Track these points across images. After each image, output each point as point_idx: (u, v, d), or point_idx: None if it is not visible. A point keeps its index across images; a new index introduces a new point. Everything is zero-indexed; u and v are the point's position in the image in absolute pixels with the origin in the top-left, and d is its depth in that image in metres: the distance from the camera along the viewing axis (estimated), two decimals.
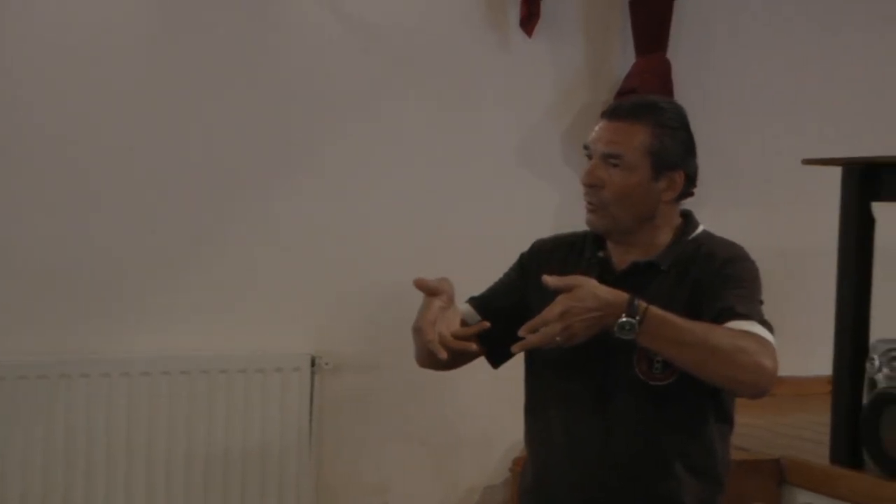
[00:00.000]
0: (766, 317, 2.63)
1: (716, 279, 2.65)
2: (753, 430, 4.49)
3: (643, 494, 2.71)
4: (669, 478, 2.70)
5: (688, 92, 5.06)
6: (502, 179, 4.89)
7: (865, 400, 3.70)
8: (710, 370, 2.52)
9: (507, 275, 3.04)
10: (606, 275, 2.73)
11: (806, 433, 4.41)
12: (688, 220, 2.83)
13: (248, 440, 4.43)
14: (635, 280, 2.70)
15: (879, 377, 3.65)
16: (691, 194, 2.82)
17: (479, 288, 4.81)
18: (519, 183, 4.92)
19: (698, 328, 2.51)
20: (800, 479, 3.91)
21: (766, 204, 5.29)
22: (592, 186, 2.70)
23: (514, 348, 2.60)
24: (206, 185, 4.49)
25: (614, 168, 2.68)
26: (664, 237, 2.77)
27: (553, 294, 2.55)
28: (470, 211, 4.84)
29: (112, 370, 4.24)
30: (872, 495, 3.63)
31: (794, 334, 5.24)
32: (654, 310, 2.50)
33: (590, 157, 2.74)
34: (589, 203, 2.73)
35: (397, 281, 4.73)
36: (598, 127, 2.75)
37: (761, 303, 2.67)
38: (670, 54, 4.98)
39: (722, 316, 2.56)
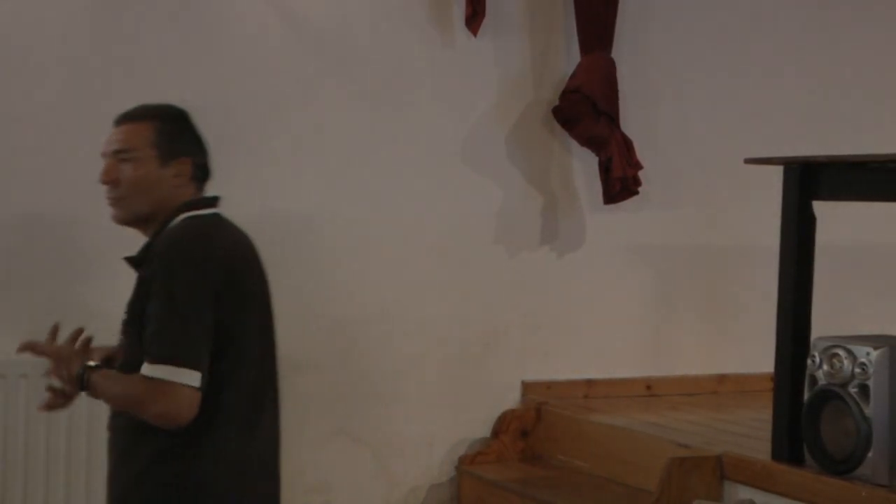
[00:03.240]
0: (190, 322, 2.79)
1: (151, 291, 2.83)
2: (695, 427, 4.52)
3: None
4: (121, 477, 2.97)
5: (631, 91, 5.09)
6: (446, 178, 4.89)
7: (806, 397, 3.72)
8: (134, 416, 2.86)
9: None
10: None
11: (747, 430, 4.44)
12: (182, 207, 2.97)
13: None
14: (138, 277, 2.95)
15: (820, 374, 3.67)
16: (205, 181, 3.07)
17: (418, 288, 4.85)
18: (463, 181, 4.92)
19: (112, 389, 2.88)
20: (741, 476, 3.92)
21: (708, 203, 5.33)
22: (109, 183, 2.98)
23: None
24: None
25: (125, 163, 2.96)
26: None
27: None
28: (413, 210, 4.83)
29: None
30: (813, 491, 3.65)
31: (737, 332, 5.34)
32: (94, 380, 2.90)
33: (106, 162, 3.01)
34: (109, 199, 3.00)
35: (340, 280, 4.76)
36: (109, 135, 3.03)
37: (178, 310, 2.79)
38: (614, 54, 5.00)
39: (143, 357, 2.81)
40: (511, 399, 4.99)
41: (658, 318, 5.31)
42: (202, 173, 3.05)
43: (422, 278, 4.86)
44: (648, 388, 5.22)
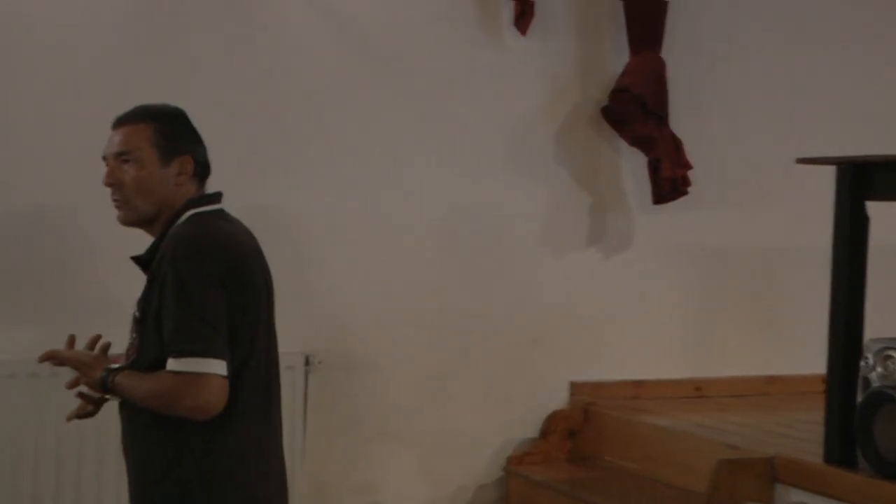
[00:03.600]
0: (208, 315, 2.82)
1: (164, 289, 2.86)
2: (744, 429, 4.49)
3: None
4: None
5: (681, 91, 5.07)
6: (493, 178, 4.88)
7: (859, 399, 3.69)
8: (164, 413, 2.86)
9: None
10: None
11: (799, 432, 4.40)
12: (186, 205, 3.00)
13: None
14: (148, 276, 2.98)
15: (873, 376, 3.64)
16: (205, 177, 3.09)
17: (466, 287, 4.84)
18: (510, 181, 4.91)
19: (139, 388, 2.88)
20: (793, 478, 3.89)
21: (760, 203, 5.30)
22: (113, 185, 3.01)
23: None
24: None
25: (127, 164, 2.99)
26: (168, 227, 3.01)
27: None
28: (460, 210, 4.83)
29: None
30: (866, 495, 3.62)
31: (788, 333, 5.30)
32: (118, 381, 2.91)
33: (108, 164, 3.04)
34: (114, 201, 3.03)
35: (389, 280, 4.76)
36: (108, 137, 3.05)
37: (194, 304, 2.82)
38: (663, 53, 4.97)
39: (166, 354, 2.83)
40: (559, 399, 4.98)
41: (707, 318, 5.28)
42: (203, 170, 3.07)
43: (469, 278, 4.86)
44: (697, 389, 5.19)
